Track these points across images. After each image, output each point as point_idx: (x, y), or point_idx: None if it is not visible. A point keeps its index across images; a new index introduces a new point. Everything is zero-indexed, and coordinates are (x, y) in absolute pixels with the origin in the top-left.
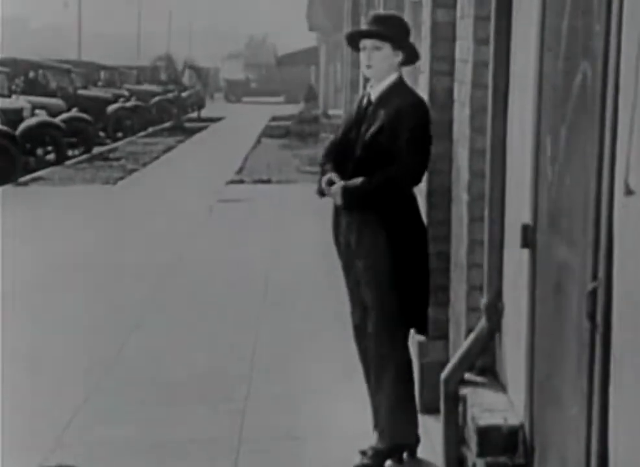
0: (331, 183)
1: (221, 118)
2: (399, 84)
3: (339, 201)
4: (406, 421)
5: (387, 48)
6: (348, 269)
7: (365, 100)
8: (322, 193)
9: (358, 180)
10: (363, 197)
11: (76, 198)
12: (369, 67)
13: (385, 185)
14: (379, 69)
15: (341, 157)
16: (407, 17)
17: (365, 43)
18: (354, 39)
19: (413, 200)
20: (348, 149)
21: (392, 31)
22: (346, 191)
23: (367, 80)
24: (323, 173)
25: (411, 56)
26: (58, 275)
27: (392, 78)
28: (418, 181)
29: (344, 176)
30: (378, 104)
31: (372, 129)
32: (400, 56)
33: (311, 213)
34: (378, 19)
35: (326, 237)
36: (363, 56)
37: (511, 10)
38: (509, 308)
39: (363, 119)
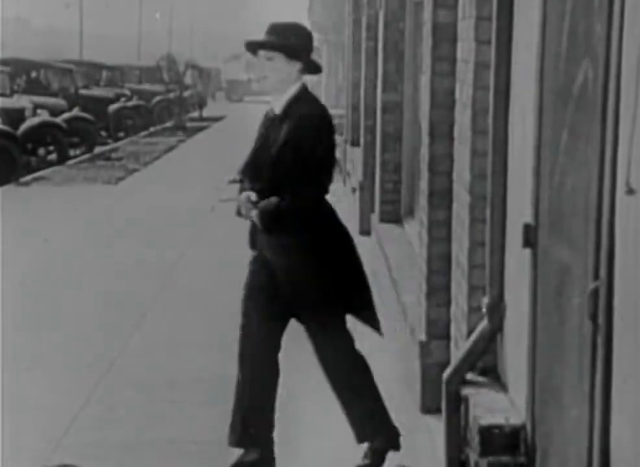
0: (251, 203)
1: (222, 117)
2: (302, 95)
3: (260, 225)
4: (390, 418)
5: (279, 58)
6: (268, 282)
7: (271, 114)
8: (240, 213)
9: (272, 204)
10: (278, 221)
11: (78, 197)
12: (264, 78)
13: (297, 206)
14: (273, 80)
15: (253, 175)
16: (408, 18)
17: (259, 53)
18: (252, 50)
19: (330, 211)
20: (258, 166)
21: (283, 40)
22: (263, 215)
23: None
24: (241, 191)
25: (310, 66)
26: (60, 275)
27: (294, 88)
28: (326, 192)
29: (260, 194)
30: (282, 117)
31: (278, 144)
32: (297, 66)
33: None
34: (272, 29)
35: None
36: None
37: (513, 10)
38: (510, 308)
39: (270, 134)
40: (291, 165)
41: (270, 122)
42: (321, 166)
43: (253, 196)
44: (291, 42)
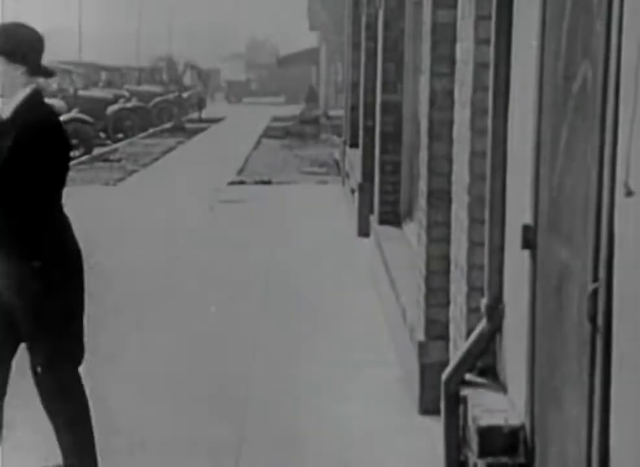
0: None
1: (221, 119)
2: (31, 100)
3: None
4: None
5: (1, 62)
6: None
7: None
8: None
9: None
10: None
11: (77, 198)
12: None
13: (17, 225)
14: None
15: None
16: (408, 18)
17: None
18: None
19: (59, 231)
20: None
21: (1, 43)
22: None
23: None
24: None
25: (39, 69)
26: None
27: (23, 93)
28: (53, 207)
29: None
30: (10, 124)
31: (3, 155)
32: (21, 69)
33: (311, 213)
34: None
35: (326, 239)
36: None
37: (512, 10)
38: (509, 309)
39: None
40: (16, 178)
41: (1, 129)
42: (45, 179)
43: None
44: (10, 44)
